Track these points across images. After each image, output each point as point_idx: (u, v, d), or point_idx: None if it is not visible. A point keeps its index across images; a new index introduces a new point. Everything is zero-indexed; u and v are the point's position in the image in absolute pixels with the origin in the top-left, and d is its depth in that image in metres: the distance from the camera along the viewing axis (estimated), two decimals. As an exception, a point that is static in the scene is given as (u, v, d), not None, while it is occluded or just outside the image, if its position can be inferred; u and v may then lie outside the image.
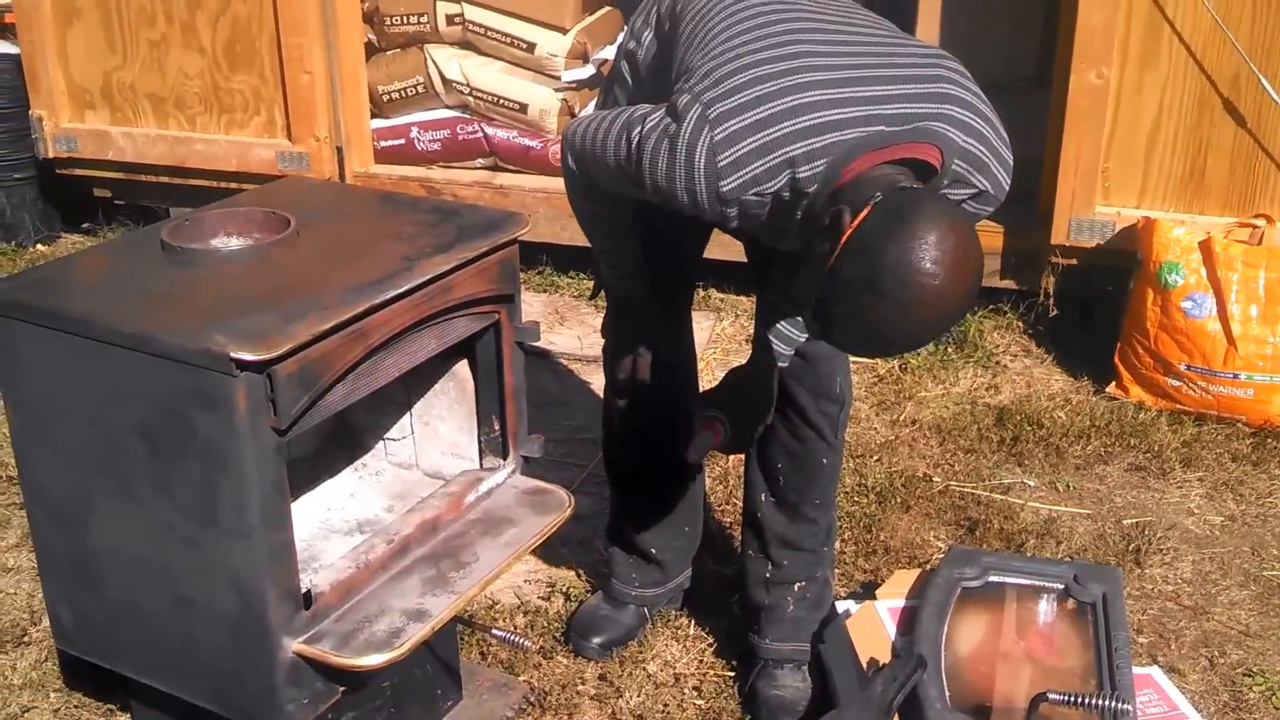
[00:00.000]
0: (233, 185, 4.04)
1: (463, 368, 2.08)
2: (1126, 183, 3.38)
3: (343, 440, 2.20)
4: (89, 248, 2.21)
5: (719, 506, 2.84)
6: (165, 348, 1.56)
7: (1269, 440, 3.05)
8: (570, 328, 3.78)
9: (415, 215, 2.01)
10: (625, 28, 2.15)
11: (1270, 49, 3.18)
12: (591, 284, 3.93)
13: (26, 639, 2.45)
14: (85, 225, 4.46)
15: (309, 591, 1.72)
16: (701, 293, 3.83)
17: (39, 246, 4.36)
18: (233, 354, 1.50)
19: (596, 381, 3.45)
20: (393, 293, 1.72)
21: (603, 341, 2.35)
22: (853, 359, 2.40)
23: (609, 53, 4.11)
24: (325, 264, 1.80)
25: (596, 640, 2.42)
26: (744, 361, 2.16)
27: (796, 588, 2.30)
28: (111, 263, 1.88)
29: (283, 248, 1.84)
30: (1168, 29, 3.23)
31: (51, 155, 4.20)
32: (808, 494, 2.24)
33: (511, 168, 4.08)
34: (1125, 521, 2.82)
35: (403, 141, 4.10)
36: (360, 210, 2.08)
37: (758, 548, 2.31)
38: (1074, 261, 3.48)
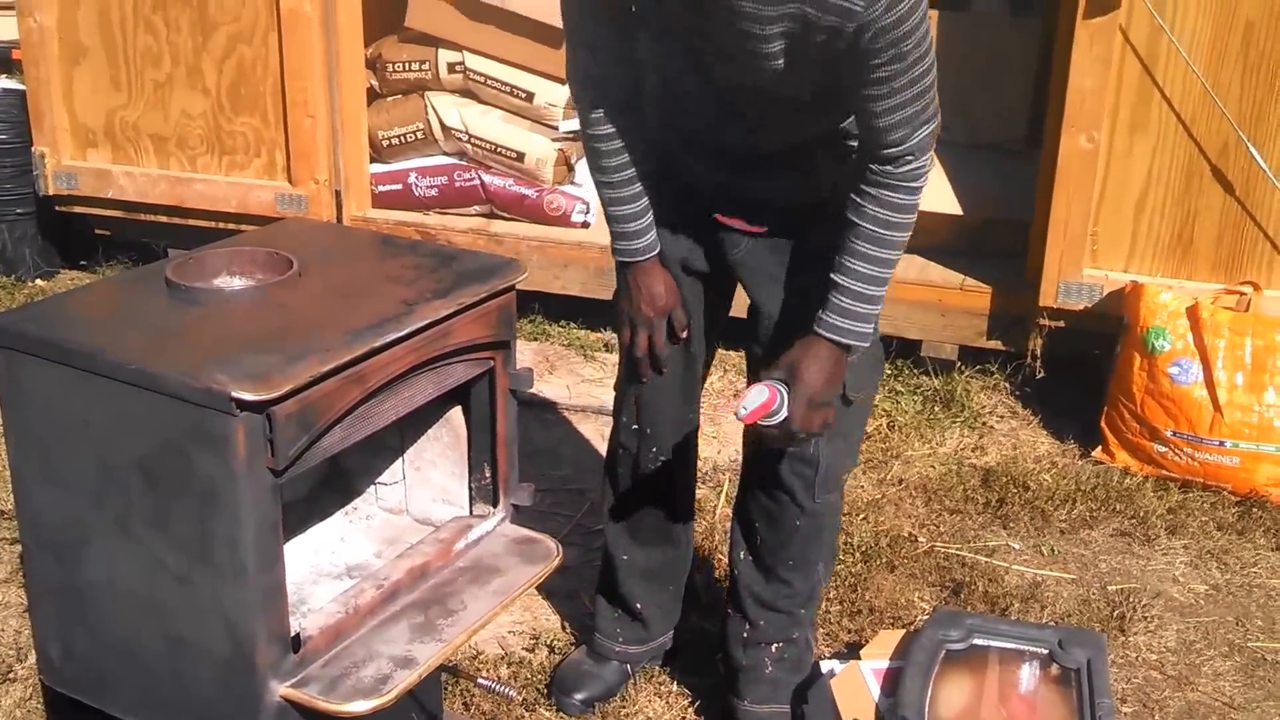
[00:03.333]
0: (231, 226, 4.08)
1: (456, 414, 2.09)
2: (1115, 247, 3.43)
3: (334, 483, 2.21)
4: (93, 282, 2.23)
5: (705, 561, 2.85)
6: (167, 385, 1.57)
7: (1254, 509, 3.07)
8: (560, 377, 3.80)
9: (415, 259, 2.03)
10: None
11: (1259, 117, 3.24)
12: (583, 334, 4.02)
13: (12, 675, 2.44)
14: (83, 262, 4.48)
15: (298, 635, 1.72)
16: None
17: (38, 281, 4.38)
18: (233, 393, 1.52)
19: (585, 430, 3.47)
20: (393, 336, 1.73)
21: (614, 395, 2.39)
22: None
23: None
24: (326, 305, 1.82)
25: (579, 696, 2.42)
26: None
27: (774, 649, 2.31)
28: (115, 298, 1.89)
29: (284, 288, 1.85)
30: (1158, 95, 3.29)
31: (52, 192, 4.22)
32: (782, 555, 2.25)
33: (506, 215, 4.12)
34: (1110, 587, 2.83)
35: (400, 187, 4.14)
36: (361, 252, 2.11)
37: (736, 606, 2.33)
38: (1061, 324, 3.51)
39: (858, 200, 1.95)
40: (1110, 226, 3.41)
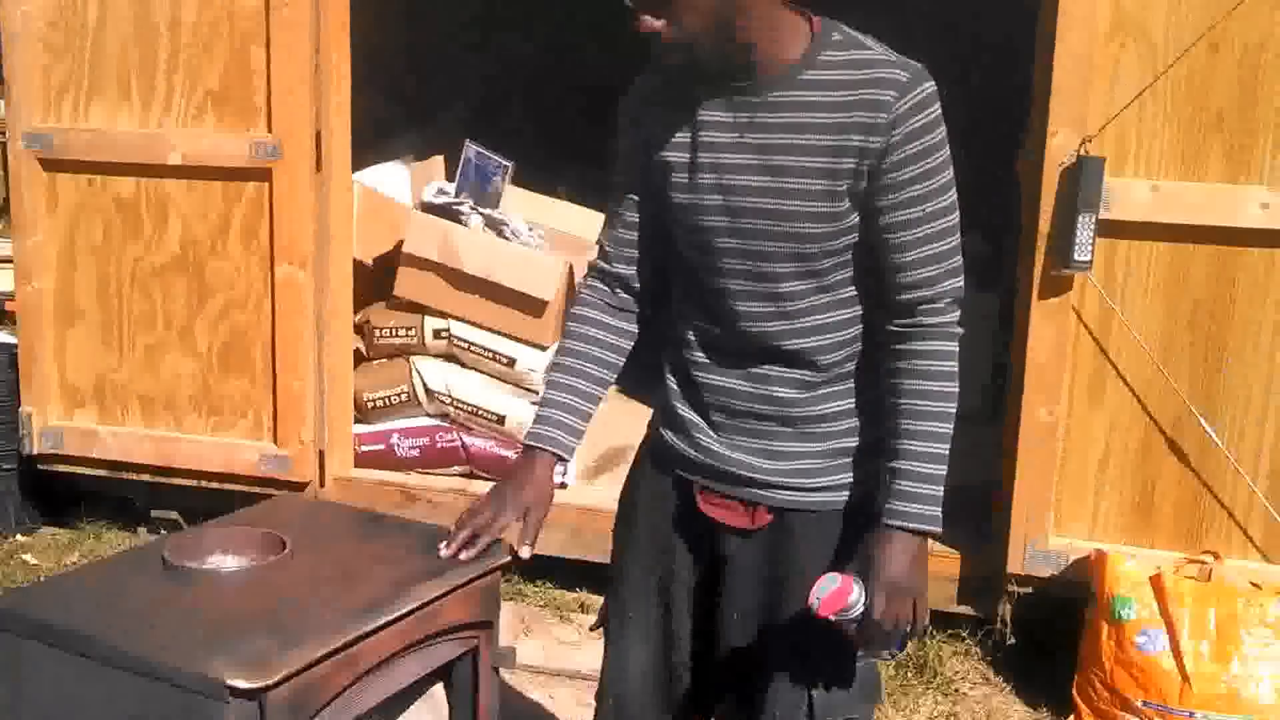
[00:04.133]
0: (214, 485, 4.15)
1: (438, 689, 2.13)
2: (1078, 515, 3.53)
3: (314, 758, 2.22)
4: (92, 563, 2.29)
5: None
6: (161, 671, 1.62)
7: (1227, 780, 3.08)
8: (536, 638, 3.81)
9: (404, 538, 2.11)
10: None
11: (1209, 391, 3.39)
12: (559, 594, 4.02)
13: None
14: (65, 519, 4.51)
15: None
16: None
17: (19, 537, 4.40)
18: (228, 680, 1.57)
19: (560, 696, 3.46)
20: (384, 619, 1.80)
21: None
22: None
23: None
24: (319, 588, 1.88)
25: None
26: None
27: None
28: (114, 579, 1.95)
29: (278, 569, 1.92)
30: (1112, 370, 3.45)
31: (37, 451, 4.28)
32: None
33: (487, 475, 4.20)
34: None
35: (383, 447, 4.23)
36: (352, 532, 2.18)
37: None
38: (1030, 590, 3.58)
39: (889, 378, 1.92)
40: (1073, 495, 3.52)
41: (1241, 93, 3.27)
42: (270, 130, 3.95)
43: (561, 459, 2.10)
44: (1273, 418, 3.37)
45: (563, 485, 4.13)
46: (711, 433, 2.06)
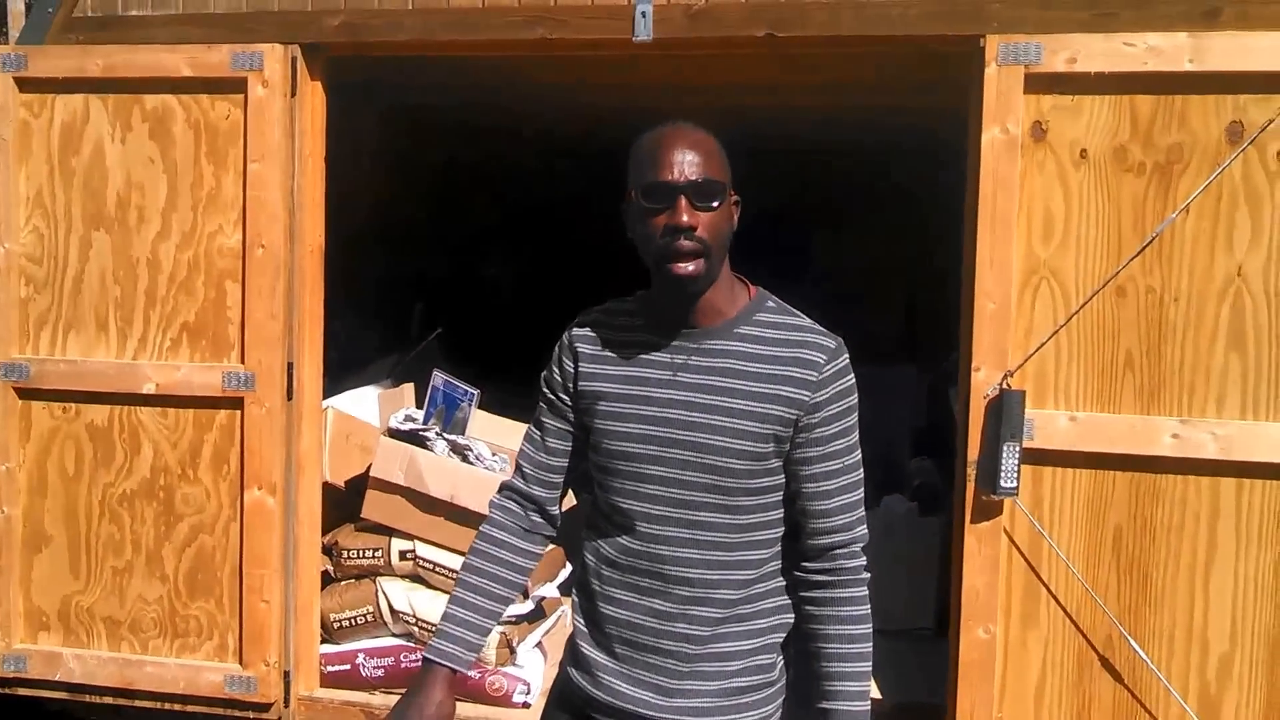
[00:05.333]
0: (177, 707, 4.19)
1: None
2: (1021, 732, 3.67)
3: None
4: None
5: None
6: None
7: None
8: None
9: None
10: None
11: (1136, 614, 3.58)
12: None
13: None
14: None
15: None
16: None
17: (-21, 759, 4.41)
18: None
19: None
20: None
21: None
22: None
23: (549, 589, 4.46)
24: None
25: None
26: None
27: None
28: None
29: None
30: (1044, 592, 3.63)
31: None
32: None
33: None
34: None
35: (348, 667, 4.31)
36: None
37: None
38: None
39: (812, 623, 2.14)
40: (1014, 712, 3.65)
41: (1147, 333, 3.54)
42: (243, 361, 4.11)
43: (459, 673, 2.26)
44: (1198, 635, 3.55)
45: (525, 705, 4.22)
46: (614, 667, 2.20)
